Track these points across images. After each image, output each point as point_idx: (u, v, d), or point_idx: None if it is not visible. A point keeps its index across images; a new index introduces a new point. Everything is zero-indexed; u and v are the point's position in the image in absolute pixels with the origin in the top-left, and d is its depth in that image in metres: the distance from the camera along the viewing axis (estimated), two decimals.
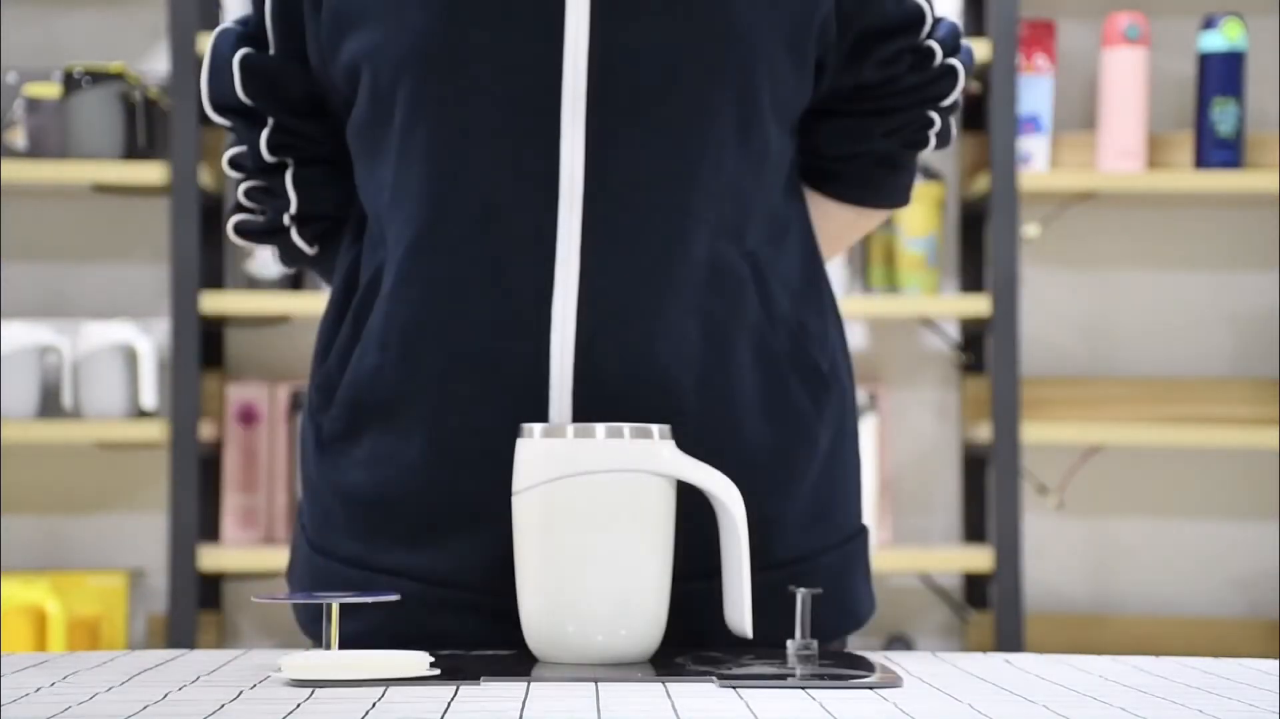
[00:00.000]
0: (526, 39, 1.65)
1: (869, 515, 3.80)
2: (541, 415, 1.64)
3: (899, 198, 1.89)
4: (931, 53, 1.79)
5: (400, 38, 1.67)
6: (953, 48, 1.81)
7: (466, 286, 1.66)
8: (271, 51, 1.78)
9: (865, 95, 1.79)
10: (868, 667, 1.53)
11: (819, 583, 1.68)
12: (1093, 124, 4.01)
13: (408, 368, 1.68)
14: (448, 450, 1.67)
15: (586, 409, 1.64)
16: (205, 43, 3.75)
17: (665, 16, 1.65)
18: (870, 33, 1.75)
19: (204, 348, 3.87)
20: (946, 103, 1.82)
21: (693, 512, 1.59)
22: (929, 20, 1.79)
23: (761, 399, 1.70)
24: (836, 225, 1.87)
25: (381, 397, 1.70)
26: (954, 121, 1.86)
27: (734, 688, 1.42)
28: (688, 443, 1.61)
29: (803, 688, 1.42)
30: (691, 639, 1.63)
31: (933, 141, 1.84)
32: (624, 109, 1.65)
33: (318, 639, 1.71)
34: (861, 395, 3.88)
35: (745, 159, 1.69)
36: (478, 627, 1.67)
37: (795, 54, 1.70)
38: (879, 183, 1.86)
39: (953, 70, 1.80)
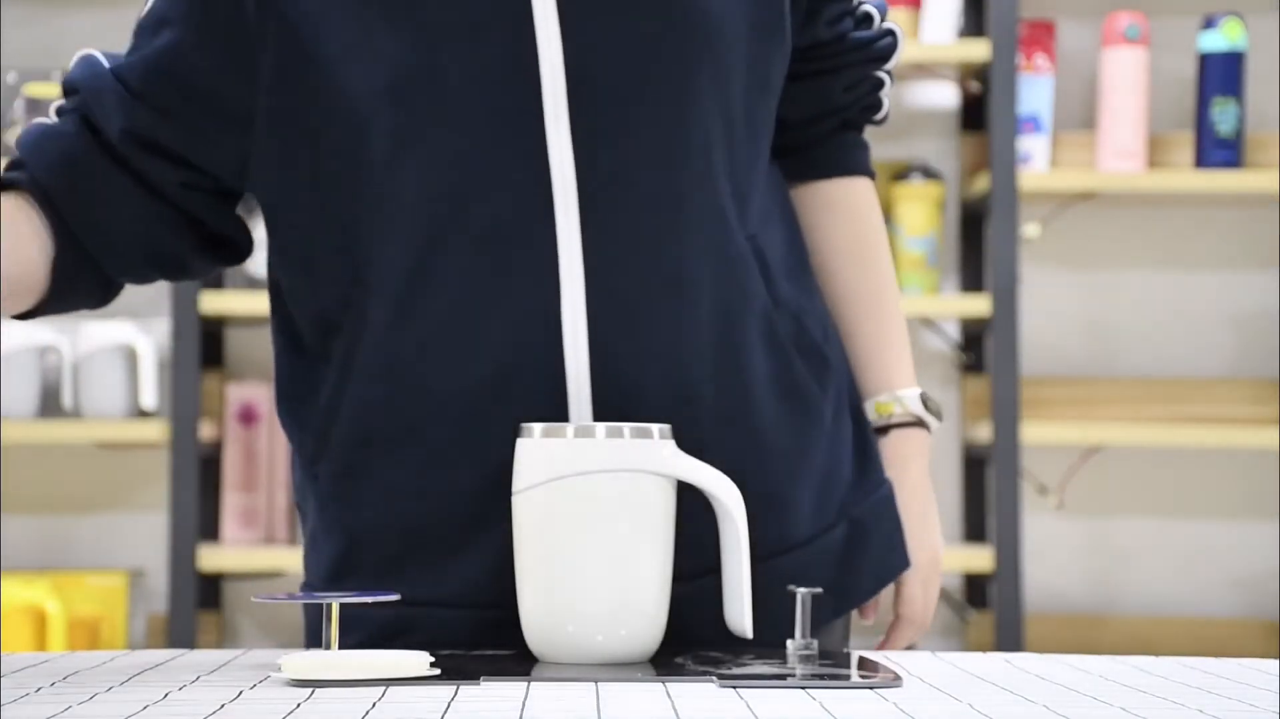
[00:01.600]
0: (500, 52, 1.64)
1: None
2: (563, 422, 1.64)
3: (869, 166, 1.93)
4: (870, 15, 1.86)
5: (374, 70, 1.64)
6: (883, 13, 1.88)
7: (473, 308, 1.65)
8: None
9: (821, 53, 1.83)
10: (868, 667, 1.53)
11: (833, 560, 1.74)
12: (1093, 124, 4.02)
13: (420, 395, 1.67)
14: (470, 472, 1.66)
15: (606, 411, 1.64)
16: None
17: (629, 10, 1.65)
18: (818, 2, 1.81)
19: (204, 348, 3.87)
20: (890, 64, 1.87)
21: (691, 509, 1.59)
22: None
23: (772, 382, 1.71)
24: (854, 206, 1.90)
25: (392, 428, 1.68)
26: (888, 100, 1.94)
27: (734, 688, 1.42)
28: (706, 431, 1.62)
29: (803, 688, 1.42)
30: (691, 637, 1.63)
31: (884, 105, 1.89)
32: (605, 108, 1.64)
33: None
34: None
35: (734, 141, 1.70)
36: (507, 641, 1.67)
37: (767, 23, 1.71)
38: (853, 146, 1.90)
39: (891, 31, 1.87)
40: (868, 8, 1.85)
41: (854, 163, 1.89)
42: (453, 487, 1.67)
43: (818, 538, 1.75)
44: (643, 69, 1.65)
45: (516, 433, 1.60)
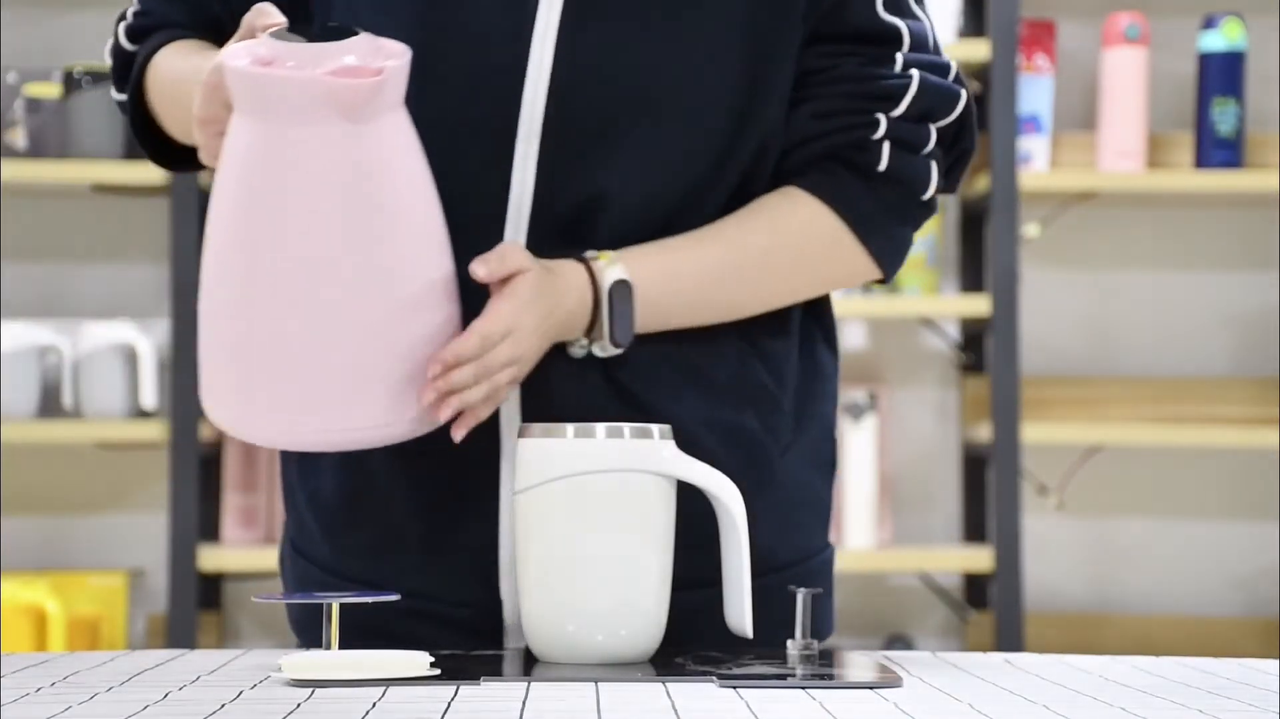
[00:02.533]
0: (493, 64, 1.66)
1: (869, 516, 3.80)
2: (491, 419, 1.65)
3: (843, 196, 1.73)
4: (890, 59, 1.72)
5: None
6: (931, 68, 1.73)
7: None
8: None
9: (804, 81, 1.72)
10: (868, 667, 1.53)
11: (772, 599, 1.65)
12: (1093, 124, 4.01)
13: None
14: (410, 455, 1.68)
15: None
16: None
17: (621, 58, 1.66)
18: (826, 35, 1.72)
19: None
20: (897, 111, 1.71)
21: (690, 520, 1.59)
22: (905, 41, 1.72)
23: (707, 418, 1.69)
24: (806, 234, 1.73)
25: None
26: (934, 166, 1.74)
27: (734, 688, 1.42)
28: None
29: (803, 688, 1.42)
30: (691, 643, 1.63)
31: (884, 155, 1.71)
32: (574, 144, 1.66)
33: (308, 640, 1.73)
34: (861, 395, 3.88)
35: (700, 196, 1.70)
36: (449, 639, 1.68)
37: (758, 88, 1.69)
38: (823, 170, 1.72)
39: (909, 77, 1.71)
40: (897, 55, 1.72)
41: (813, 180, 1.73)
42: (393, 470, 1.69)
43: (756, 577, 1.70)
44: (612, 119, 1.65)
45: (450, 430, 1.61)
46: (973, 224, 4.05)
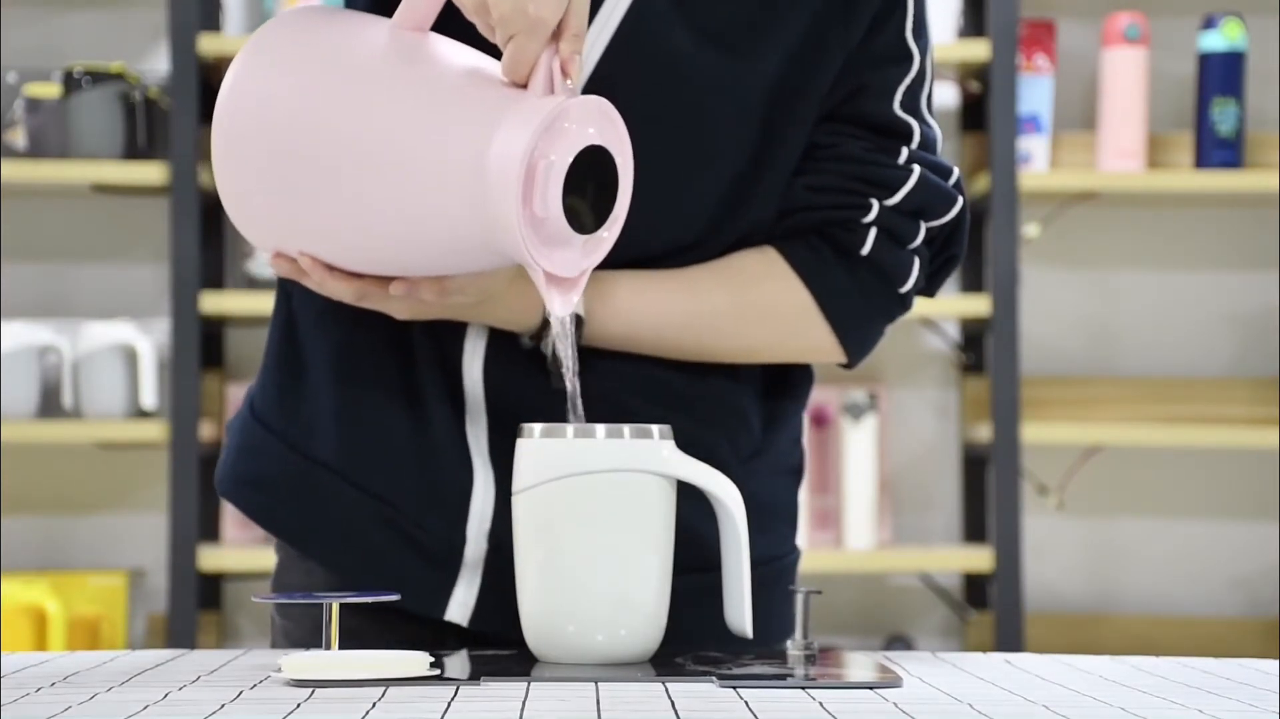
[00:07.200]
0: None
1: (869, 516, 3.80)
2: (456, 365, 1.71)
3: (833, 287, 1.74)
4: (896, 150, 1.73)
5: None
6: (934, 168, 1.73)
7: None
8: None
9: (808, 155, 1.73)
10: (868, 667, 1.53)
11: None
12: (1093, 124, 4.02)
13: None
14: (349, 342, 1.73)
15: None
16: (205, 43, 3.76)
17: (663, 62, 1.66)
18: (838, 116, 1.73)
19: (204, 348, 3.87)
20: (891, 200, 1.72)
21: (681, 507, 1.59)
22: (914, 139, 1.73)
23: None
24: (775, 303, 1.74)
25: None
26: (917, 263, 1.74)
27: (734, 688, 1.42)
28: None
29: (803, 688, 1.42)
30: (684, 634, 1.63)
31: (868, 240, 1.72)
32: None
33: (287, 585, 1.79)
34: (861, 395, 3.88)
35: (702, 237, 1.71)
36: (406, 560, 1.72)
37: (774, 145, 1.70)
38: (813, 250, 1.73)
39: (910, 170, 1.72)
40: (904, 148, 1.72)
41: (794, 251, 1.73)
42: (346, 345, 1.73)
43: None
44: (637, 143, 1.62)
45: (397, 327, 1.67)
46: (973, 224, 4.05)
